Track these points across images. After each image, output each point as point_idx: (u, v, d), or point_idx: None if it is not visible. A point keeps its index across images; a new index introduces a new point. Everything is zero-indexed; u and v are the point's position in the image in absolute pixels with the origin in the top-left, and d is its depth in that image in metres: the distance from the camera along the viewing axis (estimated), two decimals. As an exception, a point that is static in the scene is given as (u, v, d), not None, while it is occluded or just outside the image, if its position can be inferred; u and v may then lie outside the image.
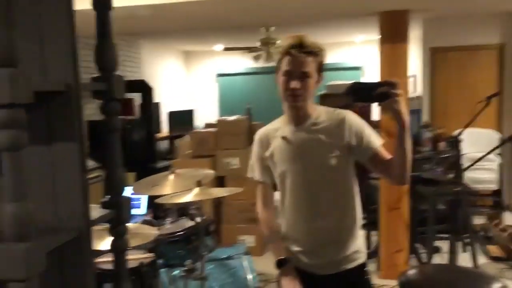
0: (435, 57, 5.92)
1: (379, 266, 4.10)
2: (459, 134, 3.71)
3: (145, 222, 3.12)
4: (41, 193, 1.04)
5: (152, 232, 2.46)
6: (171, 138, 6.95)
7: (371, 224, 4.50)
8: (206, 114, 8.49)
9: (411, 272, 2.07)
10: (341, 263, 1.83)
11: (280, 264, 1.80)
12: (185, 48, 9.04)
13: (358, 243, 1.87)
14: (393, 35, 3.93)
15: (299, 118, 1.79)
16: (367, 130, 1.79)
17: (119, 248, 1.18)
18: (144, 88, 5.87)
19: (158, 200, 2.66)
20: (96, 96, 1.15)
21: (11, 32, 0.80)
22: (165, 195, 2.63)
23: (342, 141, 1.76)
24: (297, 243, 1.85)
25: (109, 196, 1.17)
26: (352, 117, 1.79)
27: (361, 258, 1.87)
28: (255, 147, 1.92)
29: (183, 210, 3.22)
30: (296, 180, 1.80)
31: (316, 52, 1.71)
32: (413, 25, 5.27)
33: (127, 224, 1.22)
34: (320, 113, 1.81)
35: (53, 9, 1.01)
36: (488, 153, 3.07)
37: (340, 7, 4.06)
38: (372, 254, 4.29)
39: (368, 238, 4.57)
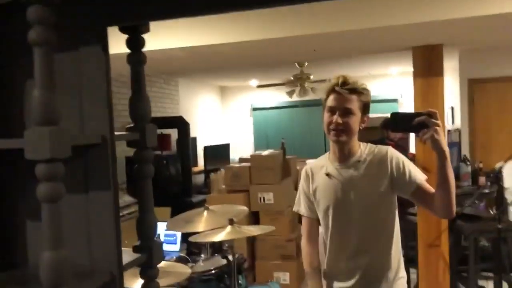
0: (473, 89, 5.81)
1: (419, 307, 3.95)
2: (501, 168, 3.60)
3: (179, 259, 3.15)
4: (78, 239, 1.09)
5: (186, 270, 2.48)
6: (207, 172, 7.04)
7: (410, 262, 4.37)
8: (241, 148, 8.59)
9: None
10: None
11: None
12: (221, 84, 9.27)
13: (400, 283, 1.84)
14: (427, 69, 3.91)
15: (343, 155, 1.83)
16: (409, 165, 1.80)
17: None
18: (181, 123, 6.03)
19: (192, 238, 2.69)
20: (130, 145, 1.20)
21: (53, 93, 0.87)
22: (198, 232, 2.66)
23: (385, 177, 1.77)
24: (338, 281, 1.85)
25: (141, 241, 1.21)
26: (394, 152, 1.82)
27: None
28: (302, 182, 1.96)
29: (217, 247, 3.24)
30: (338, 217, 1.82)
31: (359, 91, 1.78)
32: (450, 56, 5.24)
33: (159, 266, 1.25)
34: (364, 150, 1.85)
35: (90, 63, 1.08)
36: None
37: (373, 44, 4.09)
38: (411, 293, 4.14)
39: (408, 277, 4.43)
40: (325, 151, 1.98)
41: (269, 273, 4.58)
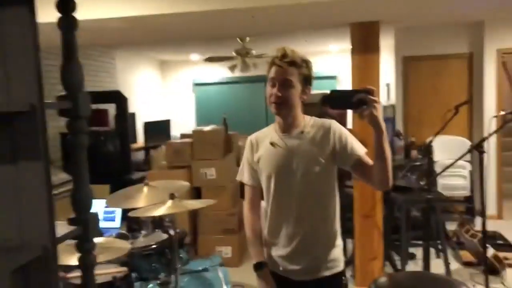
0: (408, 66, 6.05)
1: (354, 274, 4.15)
2: (431, 142, 3.79)
3: (119, 236, 3.10)
4: (6, 211, 1.03)
5: (125, 246, 2.44)
6: (147, 149, 6.91)
7: (347, 233, 4.55)
8: (182, 124, 8.48)
9: (381, 280, 2.11)
10: (318, 270, 1.87)
11: (257, 267, 1.85)
12: (161, 58, 9.03)
13: (337, 251, 1.91)
14: (364, 46, 4.00)
15: (287, 125, 1.87)
16: (351, 138, 1.86)
17: (86, 265, 1.18)
18: (118, 98, 5.83)
19: (131, 214, 2.65)
20: (63, 114, 1.15)
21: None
22: (138, 208, 2.62)
23: (327, 149, 1.83)
24: (277, 247, 1.90)
25: (76, 213, 1.17)
26: (337, 126, 1.87)
27: (339, 266, 1.91)
28: (246, 151, 1.99)
29: (157, 223, 3.20)
30: (280, 185, 1.85)
31: (299, 63, 1.79)
32: (386, 34, 5.40)
33: (96, 240, 1.22)
34: (308, 122, 1.89)
35: (16, 26, 1.01)
36: (456, 160, 3.14)
37: (312, 19, 4.13)
38: (348, 262, 4.34)
39: (344, 246, 4.62)
40: (267, 126, 2.00)
41: (211, 247, 4.62)
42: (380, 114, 1.64)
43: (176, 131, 7.68)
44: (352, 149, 1.82)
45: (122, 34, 4.51)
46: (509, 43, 5.58)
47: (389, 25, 4.74)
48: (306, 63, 1.82)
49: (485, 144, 3.14)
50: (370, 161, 1.80)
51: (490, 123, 3.31)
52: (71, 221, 1.16)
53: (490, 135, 2.95)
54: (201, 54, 8.18)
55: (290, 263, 1.87)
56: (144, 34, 4.65)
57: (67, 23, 1.13)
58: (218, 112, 8.69)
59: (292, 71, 1.78)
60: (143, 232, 3.10)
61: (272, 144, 1.89)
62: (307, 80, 1.83)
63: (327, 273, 1.87)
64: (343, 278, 1.95)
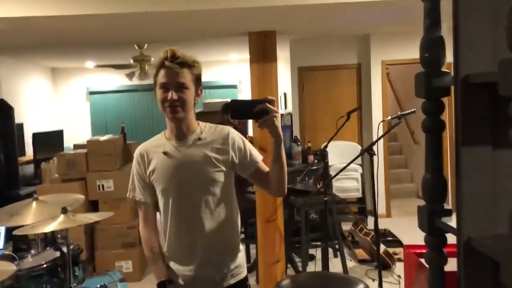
0: (303, 76, 6.33)
1: (258, 279, 4.20)
2: (325, 147, 3.98)
3: (3, 257, 2.81)
4: None
5: (9, 268, 2.21)
6: (37, 161, 6.39)
7: (250, 238, 4.61)
8: (77, 135, 8.00)
9: (284, 282, 2.15)
10: (223, 280, 1.83)
11: (161, 286, 1.75)
12: (53, 65, 8.46)
13: (239, 258, 1.89)
14: (262, 55, 4.11)
15: (181, 132, 1.79)
16: (249, 146, 1.85)
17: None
18: (3, 108, 5.34)
19: (17, 232, 2.42)
20: None
21: None
22: (25, 225, 2.40)
23: (226, 157, 1.79)
24: (179, 260, 1.82)
25: None
26: (235, 133, 1.84)
27: (243, 273, 1.89)
28: (135, 165, 1.85)
29: (49, 240, 2.96)
30: (178, 196, 1.77)
31: (190, 64, 1.74)
32: (282, 46, 5.59)
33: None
34: (203, 129, 1.83)
35: None
36: (348, 164, 3.33)
37: (212, 27, 4.15)
38: (252, 267, 4.38)
39: (247, 251, 4.67)
40: None
41: (110, 262, 4.39)
42: (279, 124, 1.67)
43: (70, 142, 7.21)
44: (251, 157, 1.83)
45: (6, 37, 4.14)
46: (393, 55, 6.09)
47: (285, 36, 4.92)
48: (196, 63, 1.77)
49: (375, 148, 3.37)
50: (267, 168, 1.83)
51: (378, 128, 3.56)
52: None
53: (379, 138, 3.17)
54: (96, 61, 7.80)
55: (196, 276, 1.81)
56: (31, 37, 4.31)
57: None
58: (115, 121, 8.37)
59: (185, 72, 1.72)
60: (32, 251, 2.85)
61: (166, 153, 1.78)
62: (198, 80, 1.79)
63: (232, 280, 1.84)
64: (247, 284, 1.93)
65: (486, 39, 0.93)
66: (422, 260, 2.95)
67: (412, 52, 5.69)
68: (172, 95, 1.70)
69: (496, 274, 0.85)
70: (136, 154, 1.86)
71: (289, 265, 4.44)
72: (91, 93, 8.94)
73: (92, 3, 3.18)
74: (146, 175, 1.82)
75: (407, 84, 7.12)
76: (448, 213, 1.07)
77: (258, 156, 1.85)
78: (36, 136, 6.65)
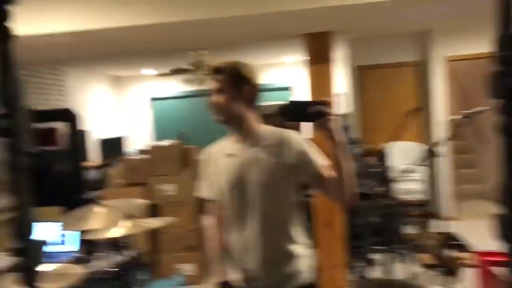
0: (361, 75, 6.18)
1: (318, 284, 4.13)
2: (385, 148, 3.86)
3: (76, 259, 2.94)
4: None
5: (80, 271, 2.31)
6: (102, 167, 6.68)
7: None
8: (140, 140, 8.29)
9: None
10: (278, 284, 1.80)
11: (221, 286, 1.79)
12: (114, 73, 8.82)
13: (299, 263, 1.83)
14: (318, 56, 4.05)
15: (240, 135, 1.83)
16: (311, 150, 1.78)
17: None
18: (68, 116, 5.62)
19: (86, 236, 2.52)
20: (1, 133, 1.05)
21: None
22: (93, 230, 2.49)
23: (282, 160, 1.76)
24: (236, 262, 1.83)
25: (15, 242, 1.07)
26: (295, 137, 1.80)
27: (302, 278, 1.83)
28: (201, 166, 1.93)
29: (114, 244, 3.07)
30: (236, 198, 1.79)
31: (221, 69, 1.80)
32: (340, 45, 5.50)
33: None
34: (264, 132, 1.83)
35: None
36: (413, 165, 3.20)
37: (267, 30, 4.14)
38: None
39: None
40: None
41: (173, 265, 4.48)
42: (335, 127, 1.61)
43: (133, 147, 7.49)
44: (311, 162, 1.75)
45: (71, 50, 4.36)
46: (457, 51, 5.80)
47: (342, 36, 4.82)
48: (230, 64, 1.81)
49: (440, 148, 3.22)
50: (331, 175, 1.73)
51: (440, 128, 3.39)
52: (10, 251, 1.06)
53: (448, 138, 3.01)
54: (155, 69, 8.04)
55: (250, 277, 1.80)
56: (93, 49, 4.51)
57: (1, 33, 1.04)
58: (176, 126, 8.56)
59: (218, 78, 1.80)
60: (101, 254, 2.96)
61: (228, 155, 1.84)
62: (236, 80, 1.79)
63: (289, 286, 1.80)
64: None
65: None
66: (495, 269, 2.77)
67: (479, 46, 5.40)
68: (211, 100, 1.81)
69: None
70: (203, 156, 1.94)
71: (349, 270, 4.33)
72: (152, 99, 9.23)
73: (150, 13, 3.27)
74: (210, 175, 1.87)
75: (475, 81, 6.74)
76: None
77: (319, 161, 1.76)
78: (101, 142, 6.96)
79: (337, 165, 1.66)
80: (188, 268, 4.51)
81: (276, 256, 1.80)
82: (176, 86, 8.86)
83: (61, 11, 3.28)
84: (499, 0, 1.01)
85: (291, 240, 1.82)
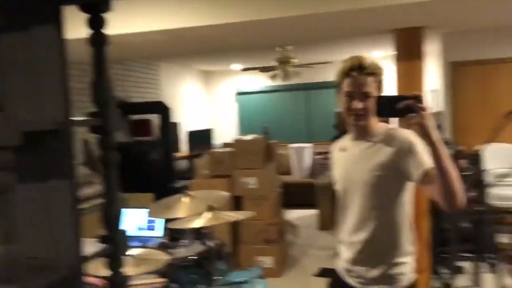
0: (456, 72, 5.82)
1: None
2: (480, 150, 3.61)
3: (161, 245, 3.12)
4: (37, 231, 1.05)
5: (164, 257, 2.45)
6: (190, 157, 6.99)
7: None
8: (226, 133, 8.55)
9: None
10: (374, 282, 1.80)
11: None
12: (204, 68, 9.16)
13: (401, 265, 1.80)
14: (408, 52, 3.89)
15: (360, 135, 1.86)
16: (420, 150, 1.70)
17: (116, 283, 1.18)
18: (161, 109, 5.95)
19: (170, 225, 2.66)
20: (94, 131, 1.16)
21: (-3, 77, 0.82)
22: (177, 219, 2.63)
23: (393, 160, 1.73)
24: (345, 250, 1.90)
25: (105, 231, 1.17)
26: (408, 136, 1.75)
27: (402, 280, 1.80)
28: (330, 159, 2.05)
29: (197, 233, 3.21)
30: (343, 192, 1.87)
31: (376, 73, 1.76)
32: (433, 39, 5.22)
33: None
34: (379, 130, 1.83)
35: (44, 45, 1.02)
36: (508, 169, 2.96)
37: (354, 25, 4.05)
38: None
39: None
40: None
41: (252, 257, 4.59)
42: (430, 123, 1.54)
43: (219, 140, 7.74)
44: (419, 162, 1.68)
45: (164, 46, 4.60)
46: None
47: (435, 31, 4.58)
48: (380, 69, 1.79)
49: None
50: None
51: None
52: (100, 239, 1.16)
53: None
54: (242, 64, 8.22)
55: (349, 270, 1.87)
56: (185, 45, 4.72)
57: (98, 39, 1.14)
58: (260, 121, 8.73)
59: (370, 81, 1.74)
60: (184, 241, 3.11)
61: (342, 150, 1.93)
62: (380, 85, 1.80)
63: (386, 285, 1.78)
64: None
65: None
66: None
67: None
68: (356, 104, 1.75)
69: None
70: (331, 148, 2.05)
71: (434, 276, 4.13)
72: (239, 93, 9.45)
73: (239, 12, 3.35)
74: (332, 168, 2.00)
75: None
76: None
77: (427, 162, 1.66)
78: (190, 134, 7.28)
79: (436, 166, 1.57)
80: (266, 261, 4.59)
81: (375, 255, 1.80)
82: (262, 80, 9.00)
83: (154, 10, 3.47)
84: None
85: (389, 240, 1.80)
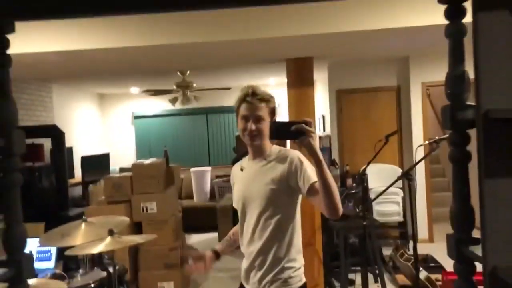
0: (341, 98, 6.36)
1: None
2: (364, 170, 3.99)
3: (54, 276, 2.97)
4: None
5: (61, 286, 2.35)
6: (85, 184, 6.69)
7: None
8: (123, 158, 8.32)
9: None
10: (270, 284, 1.98)
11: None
12: (100, 91, 8.89)
13: (290, 270, 2.00)
14: (299, 80, 4.21)
15: (255, 153, 2.10)
16: (305, 167, 1.96)
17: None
18: (54, 132, 5.66)
19: (68, 252, 2.57)
20: (-4, 153, 1.14)
21: None
22: (75, 246, 2.54)
23: (283, 177, 1.98)
24: (243, 263, 2.12)
25: (8, 254, 1.14)
26: (296, 155, 2.00)
27: (292, 283, 1.98)
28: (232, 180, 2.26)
29: (96, 260, 3.11)
30: (242, 206, 2.08)
31: (267, 99, 2.03)
32: (320, 69, 5.67)
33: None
34: (272, 151, 2.09)
35: None
36: (387, 188, 3.33)
37: (250, 54, 4.29)
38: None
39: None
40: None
41: (153, 283, 4.51)
42: (316, 144, 1.77)
43: (116, 165, 7.52)
44: (305, 177, 1.93)
45: (59, 68, 4.44)
46: (432, 77, 6.03)
47: (322, 60, 5.00)
48: (272, 98, 2.06)
49: (414, 171, 3.36)
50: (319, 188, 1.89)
51: (417, 152, 3.54)
52: (2, 264, 1.13)
53: (416, 163, 3.17)
54: (140, 87, 8.14)
55: (248, 278, 2.07)
56: (81, 67, 4.60)
57: (1, 60, 1.14)
58: (159, 144, 8.66)
59: (262, 106, 2.00)
60: (81, 271, 3.00)
61: (241, 169, 2.16)
62: (273, 112, 2.06)
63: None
64: None
65: (507, 76, 0.97)
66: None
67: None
68: (251, 126, 2.00)
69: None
70: (232, 169, 2.27)
71: (328, 289, 4.41)
72: (136, 117, 9.29)
73: (137, 36, 3.39)
74: (233, 187, 2.21)
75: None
76: (476, 241, 1.09)
77: (312, 177, 1.90)
78: (84, 160, 6.98)
79: (320, 181, 1.80)
80: (168, 286, 4.54)
81: (266, 262, 2.00)
82: (161, 104, 8.96)
83: (50, 30, 3.37)
84: (450, 44, 1.14)
85: (282, 249, 1.99)
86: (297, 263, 2.03)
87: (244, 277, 2.11)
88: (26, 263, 1.15)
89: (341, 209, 1.84)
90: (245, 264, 2.10)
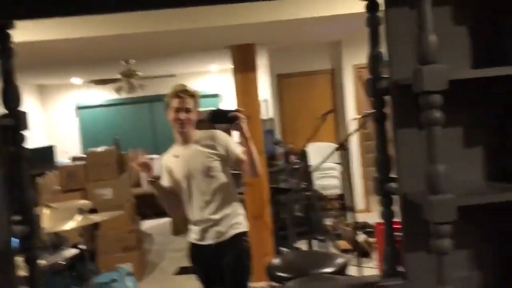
0: (281, 83, 6.76)
1: (251, 271, 4.55)
2: (305, 147, 4.38)
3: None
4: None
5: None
6: (31, 176, 6.63)
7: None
8: (68, 149, 8.26)
9: (276, 259, 2.57)
10: (224, 228, 2.51)
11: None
12: (40, 82, 8.70)
13: (238, 218, 2.57)
14: (243, 65, 4.50)
15: (185, 140, 2.56)
16: (231, 142, 2.57)
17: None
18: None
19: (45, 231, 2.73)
20: (5, 130, 1.36)
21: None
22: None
23: (215, 150, 2.51)
24: (193, 225, 2.57)
25: (20, 215, 1.38)
26: (220, 134, 2.57)
27: (240, 228, 2.55)
28: (162, 170, 2.63)
29: (58, 242, 3.26)
30: (189, 183, 2.51)
31: (194, 95, 2.52)
32: (262, 55, 5.99)
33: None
34: (199, 135, 2.57)
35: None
36: (326, 158, 3.74)
37: (194, 42, 4.51)
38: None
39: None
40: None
41: (112, 265, 4.67)
42: (245, 126, 2.34)
43: (62, 156, 7.48)
44: (232, 149, 2.53)
45: None
46: (363, 59, 6.49)
47: (263, 48, 5.32)
48: (197, 93, 2.56)
49: (350, 149, 3.78)
50: (245, 158, 2.48)
51: (350, 125, 3.96)
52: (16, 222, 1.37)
53: (350, 134, 3.58)
54: (83, 77, 8.08)
55: (203, 235, 2.52)
56: (18, 59, 4.57)
57: (6, 52, 1.36)
58: (105, 134, 8.64)
59: (190, 100, 2.49)
60: (47, 251, 3.15)
61: (176, 156, 2.57)
62: (197, 104, 2.56)
63: (233, 232, 2.51)
64: (245, 238, 2.57)
65: (409, 54, 1.33)
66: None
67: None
68: (181, 116, 2.47)
69: (423, 215, 1.24)
70: (162, 162, 2.65)
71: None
72: (80, 108, 9.20)
73: (79, 26, 3.43)
74: (168, 172, 2.59)
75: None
76: (394, 180, 1.46)
77: (237, 149, 2.53)
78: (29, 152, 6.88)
79: (247, 152, 2.43)
80: (126, 268, 4.73)
81: (222, 217, 2.53)
82: (104, 94, 8.94)
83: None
84: (370, 27, 1.49)
85: (231, 205, 2.56)
86: (241, 217, 2.61)
87: (199, 235, 2.54)
88: (36, 221, 1.39)
89: (260, 172, 2.53)
90: (199, 226, 2.53)
